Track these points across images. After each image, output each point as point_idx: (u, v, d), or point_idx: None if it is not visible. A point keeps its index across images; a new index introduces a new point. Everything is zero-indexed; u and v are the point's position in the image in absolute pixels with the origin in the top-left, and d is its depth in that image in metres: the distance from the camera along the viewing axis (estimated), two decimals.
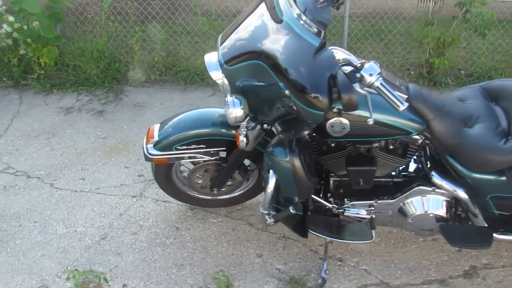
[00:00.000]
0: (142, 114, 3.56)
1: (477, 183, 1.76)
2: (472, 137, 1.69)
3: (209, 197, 2.31)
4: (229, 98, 1.62)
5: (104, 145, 3.06)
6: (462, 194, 1.79)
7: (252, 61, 1.55)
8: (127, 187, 2.63)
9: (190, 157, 2.04)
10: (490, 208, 1.82)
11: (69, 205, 2.46)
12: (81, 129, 3.24)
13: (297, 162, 1.68)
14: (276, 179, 1.74)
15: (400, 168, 1.94)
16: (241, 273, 2.03)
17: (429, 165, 1.87)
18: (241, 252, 2.15)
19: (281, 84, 1.46)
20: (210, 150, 2.04)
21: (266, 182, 1.79)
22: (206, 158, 2.07)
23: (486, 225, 1.85)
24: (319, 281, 1.95)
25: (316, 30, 1.38)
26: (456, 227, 1.86)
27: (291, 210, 1.77)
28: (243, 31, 1.64)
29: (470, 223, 1.90)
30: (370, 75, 1.40)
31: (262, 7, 1.64)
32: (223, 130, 1.97)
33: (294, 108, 1.47)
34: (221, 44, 1.71)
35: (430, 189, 1.83)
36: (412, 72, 4.57)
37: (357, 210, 1.94)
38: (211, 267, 2.06)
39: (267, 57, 1.50)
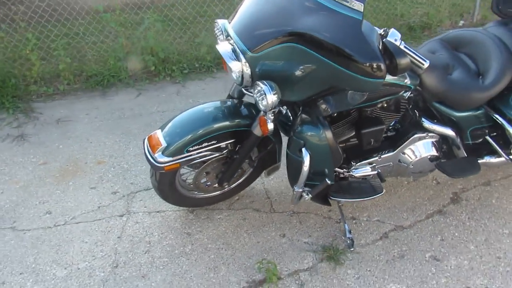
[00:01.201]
0: (72, 129, 3.19)
1: (462, 121, 2.07)
2: (456, 82, 1.97)
3: (217, 193, 2.24)
4: (261, 85, 1.59)
5: (50, 171, 2.69)
6: (450, 132, 2.08)
7: (285, 44, 1.55)
8: (107, 208, 2.38)
9: (203, 156, 1.95)
10: (467, 140, 2.16)
11: (52, 244, 2.13)
12: (8, 160, 2.78)
13: (329, 133, 1.76)
14: (310, 155, 1.79)
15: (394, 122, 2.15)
16: (276, 256, 2.05)
17: (417, 114, 2.11)
18: (264, 237, 2.16)
19: (328, 61, 1.49)
20: (221, 145, 1.98)
21: (297, 162, 1.82)
22: (217, 154, 2.00)
23: (466, 155, 2.19)
24: (348, 241, 2.08)
25: (353, 4, 1.45)
26: (450, 163, 2.16)
27: (328, 181, 1.85)
28: (263, 14, 1.62)
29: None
30: (395, 40, 1.54)
31: None
32: (231, 122, 1.93)
33: (346, 81, 1.53)
34: (236, 30, 1.66)
35: (424, 134, 2.08)
36: None
37: (364, 169, 2.10)
38: (245, 259, 2.04)
39: (304, 38, 1.51)
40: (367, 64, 1.44)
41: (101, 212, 2.34)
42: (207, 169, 2.09)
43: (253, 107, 2.04)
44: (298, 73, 1.61)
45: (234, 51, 1.68)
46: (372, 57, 1.43)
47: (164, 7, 4.59)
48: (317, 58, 1.51)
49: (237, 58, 1.66)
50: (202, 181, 2.14)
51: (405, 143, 2.08)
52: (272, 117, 1.74)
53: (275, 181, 2.53)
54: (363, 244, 2.10)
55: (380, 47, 1.48)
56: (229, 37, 1.74)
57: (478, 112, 2.07)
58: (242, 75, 1.69)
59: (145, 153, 1.94)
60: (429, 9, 5.35)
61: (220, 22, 1.86)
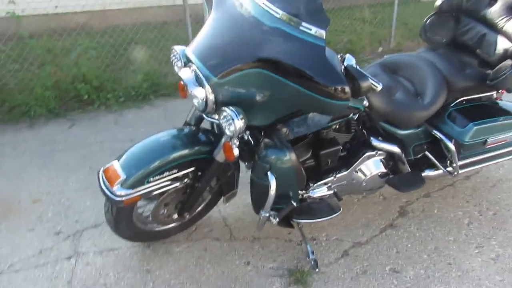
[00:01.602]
0: None
1: (406, 138, 2.23)
2: (400, 103, 2.13)
3: (174, 224, 2.16)
4: (228, 111, 1.59)
5: None
6: (396, 149, 2.22)
7: (251, 69, 1.56)
8: (51, 251, 2.16)
9: (163, 187, 1.87)
10: (410, 156, 2.33)
11: None
12: None
13: (293, 156, 1.79)
14: (276, 179, 1.79)
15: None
16: (243, 285, 2.00)
17: (366, 134, 2.24)
18: (228, 267, 2.10)
19: (296, 85, 1.53)
20: (182, 174, 1.91)
21: (263, 186, 1.82)
22: (177, 183, 1.93)
23: (409, 170, 2.35)
24: (312, 262, 2.10)
25: (316, 32, 1.51)
26: (398, 178, 2.30)
27: (294, 203, 1.86)
28: (226, 40, 1.62)
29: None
30: (352, 64, 1.63)
31: (235, 13, 1.65)
32: (191, 150, 1.89)
33: (313, 105, 1.57)
34: (199, 56, 1.64)
35: (373, 152, 2.20)
36: None
37: (321, 189, 2.15)
38: None
39: (271, 65, 1.53)
40: (334, 88, 1.50)
41: (44, 256, 2.13)
42: (166, 200, 2.01)
43: (212, 134, 2.02)
44: (264, 98, 1.62)
45: (197, 77, 1.65)
46: (337, 81, 1.50)
47: (96, 33, 4.41)
48: (285, 83, 1.54)
49: (200, 84, 1.64)
50: (161, 212, 2.04)
51: (357, 162, 2.18)
52: (237, 143, 1.73)
53: (231, 207, 2.50)
54: (327, 263, 2.13)
55: (343, 71, 1.55)
56: (190, 63, 1.72)
57: (419, 129, 2.25)
58: (206, 101, 1.66)
59: (100, 186, 1.82)
60: (351, 36, 5.76)
61: (178, 48, 1.83)
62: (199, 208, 2.21)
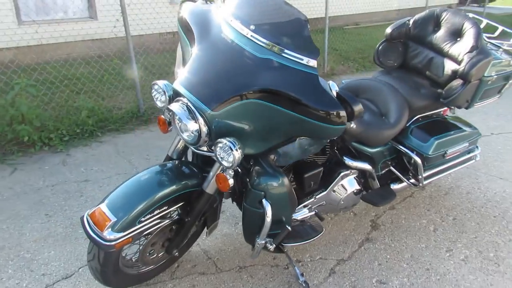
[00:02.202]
0: None
1: (375, 156, 2.38)
2: (369, 123, 2.28)
3: (159, 264, 2.06)
4: (226, 142, 1.58)
5: None
6: (367, 166, 2.36)
7: (247, 100, 1.58)
8: None
9: (154, 225, 1.80)
10: (377, 172, 2.48)
11: None
12: None
13: (286, 180, 1.82)
14: (271, 205, 1.81)
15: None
16: None
17: (339, 154, 2.35)
18: None
19: (293, 113, 1.58)
20: (171, 210, 1.86)
21: (257, 214, 1.82)
22: (167, 220, 1.87)
23: (379, 185, 2.50)
24: (304, 285, 2.12)
25: (308, 61, 1.59)
26: (372, 194, 2.43)
27: (288, 228, 1.88)
28: (219, 72, 1.63)
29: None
30: (336, 91, 1.73)
31: (224, 45, 1.68)
32: (178, 185, 1.85)
33: (311, 131, 1.63)
34: (191, 89, 1.63)
35: (348, 171, 2.31)
36: None
37: (303, 211, 2.21)
38: None
39: (268, 95, 1.57)
40: (332, 113, 1.58)
41: None
42: (154, 239, 1.92)
43: (196, 166, 1.99)
44: (261, 127, 1.65)
45: (189, 110, 1.63)
46: (334, 106, 1.58)
47: (33, 70, 4.14)
48: (282, 112, 1.59)
49: (193, 118, 1.62)
50: (149, 252, 1.95)
51: (334, 182, 2.27)
52: (232, 173, 1.72)
53: (210, 239, 2.46)
54: (317, 284, 2.16)
55: (335, 97, 1.64)
56: (179, 97, 1.69)
57: (386, 147, 2.41)
58: (199, 134, 1.64)
59: (87, 232, 1.70)
60: None
61: (160, 83, 1.80)
62: (183, 244, 2.14)
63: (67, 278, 2.17)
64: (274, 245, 1.90)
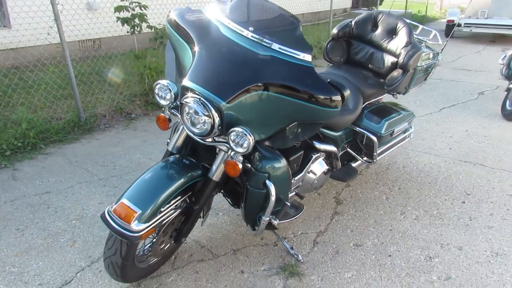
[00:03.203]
0: None
1: (339, 139, 2.75)
2: None
3: (160, 256, 2.19)
4: (240, 130, 1.78)
5: None
6: (334, 148, 2.71)
7: (256, 92, 1.81)
8: None
9: (170, 215, 1.94)
10: (339, 153, 2.87)
11: None
12: None
13: (285, 161, 2.07)
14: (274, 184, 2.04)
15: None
16: None
17: (308, 139, 2.66)
18: (228, 280, 2.22)
19: (297, 100, 1.83)
20: (182, 200, 2.01)
21: (261, 194, 2.03)
22: (179, 210, 2.01)
23: (341, 165, 2.88)
24: (295, 256, 2.40)
25: (304, 56, 1.86)
26: (339, 172, 2.78)
27: (287, 203, 2.14)
28: (228, 68, 1.82)
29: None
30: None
31: (227, 44, 1.88)
32: (186, 177, 1.99)
33: (311, 114, 1.90)
34: (204, 84, 1.79)
35: (318, 154, 2.64)
36: (138, 102, 5.07)
37: None
38: None
39: (274, 86, 1.81)
40: (328, 98, 1.87)
41: None
42: (167, 229, 2.04)
43: (194, 158, 2.14)
44: (267, 114, 1.88)
45: (203, 104, 1.80)
46: (330, 92, 1.87)
47: None
48: (287, 100, 1.84)
49: (207, 110, 1.79)
50: (160, 243, 2.06)
51: (308, 164, 2.58)
52: (241, 159, 1.93)
53: (196, 231, 2.59)
54: (305, 254, 2.45)
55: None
56: (187, 93, 1.84)
57: (346, 131, 2.80)
58: (212, 126, 1.82)
59: (113, 227, 1.77)
60: None
61: (164, 81, 1.93)
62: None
63: (67, 284, 2.16)
64: (277, 220, 2.13)
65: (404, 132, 3.16)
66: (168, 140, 2.44)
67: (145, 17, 4.66)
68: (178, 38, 2.05)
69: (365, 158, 2.95)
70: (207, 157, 2.13)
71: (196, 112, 1.80)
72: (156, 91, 1.97)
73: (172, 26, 2.09)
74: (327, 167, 2.66)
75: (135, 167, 3.53)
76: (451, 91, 5.86)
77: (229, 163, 1.90)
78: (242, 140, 1.79)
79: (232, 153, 1.89)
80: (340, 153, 2.88)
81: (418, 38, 3.07)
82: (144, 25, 4.75)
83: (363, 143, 2.90)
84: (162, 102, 1.97)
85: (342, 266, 2.34)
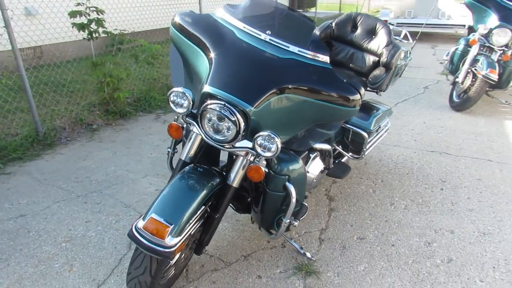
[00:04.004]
0: None
1: (331, 137, 2.83)
2: None
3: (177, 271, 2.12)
4: (267, 133, 1.77)
5: None
6: (328, 147, 2.78)
7: (279, 95, 1.81)
8: None
9: (196, 226, 1.88)
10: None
11: None
12: None
13: (302, 162, 2.10)
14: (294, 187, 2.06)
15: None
16: None
17: None
18: (248, 285, 2.20)
19: (319, 102, 1.86)
20: (206, 207, 1.95)
21: (281, 197, 2.04)
22: (202, 220, 1.96)
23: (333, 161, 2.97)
24: (306, 254, 2.44)
25: (323, 58, 1.90)
26: (335, 169, 2.86)
27: (306, 204, 2.16)
28: (251, 73, 1.80)
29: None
30: None
31: (246, 49, 1.86)
32: (207, 186, 1.93)
33: (333, 114, 1.93)
34: (229, 90, 1.76)
35: (315, 154, 2.70)
36: (98, 112, 4.83)
37: None
38: None
39: (297, 89, 1.82)
40: (349, 98, 1.92)
41: None
42: (189, 242, 1.98)
43: (208, 165, 2.10)
44: (290, 117, 1.89)
45: (228, 110, 1.76)
46: (350, 92, 1.92)
47: None
48: (310, 102, 1.86)
49: (233, 116, 1.76)
50: (182, 256, 1.99)
51: (308, 163, 2.63)
52: (265, 163, 1.92)
53: None
54: (315, 252, 2.49)
55: None
56: (209, 100, 1.79)
57: (337, 129, 2.88)
58: (237, 131, 1.79)
59: (144, 245, 1.68)
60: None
61: (180, 89, 1.87)
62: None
63: None
64: (297, 221, 2.15)
65: (385, 126, 3.32)
66: (169, 149, 2.37)
67: (103, 22, 4.43)
68: (187, 43, 1.99)
69: (351, 154, 3.06)
70: (214, 162, 2.11)
71: (220, 118, 1.77)
72: (172, 98, 1.89)
73: (178, 31, 2.02)
74: (323, 166, 2.73)
75: (113, 180, 3.35)
76: (400, 86, 6.25)
77: (252, 168, 1.89)
78: (270, 144, 1.79)
79: (251, 157, 1.88)
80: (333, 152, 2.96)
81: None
82: (100, 30, 4.52)
83: (349, 139, 3.01)
84: (179, 110, 1.90)
85: (353, 260, 2.42)
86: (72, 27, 4.37)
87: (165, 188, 1.85)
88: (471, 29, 5.69)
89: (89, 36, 4.49)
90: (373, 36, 3.02)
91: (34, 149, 3.95)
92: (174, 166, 2.19)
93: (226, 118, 1.75)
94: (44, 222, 2.77)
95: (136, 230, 1.71)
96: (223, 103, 1.77)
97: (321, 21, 12.35)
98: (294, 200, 2.04)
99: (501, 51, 4.89)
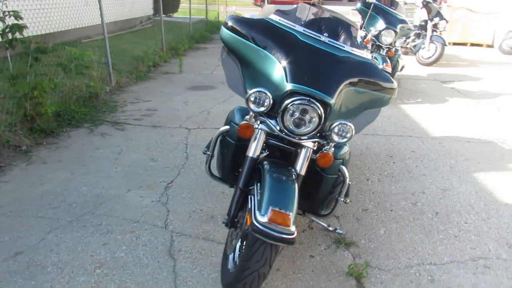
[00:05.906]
0: None
1: None
2: None
3: None
4: (343, 122, 2.02)
5: None
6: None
7: (347, 89, 2.09)
8: None
9: None
10: None
11: None
12: None
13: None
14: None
15: None
16: (331, 266, 2.42)
17: None
18: (308, 267, 2.42)
19: (372, 92, 2.19)
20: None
21: (335, 180, 2.30)
22: None
23: None
24: (336, 229, 2.75)
25: (366, 55, 2.24)
26: None
27: (349, 183, 2.47)
28: (321, 70, 2.04)
29: None
30: None
31: (309, 48, 2.09)
32: (294, 174, 2.10)
33: (380, 101, 2.27)
34: (313, 86, 1.96)
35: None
36: (20, 131, 4.31)
37: None
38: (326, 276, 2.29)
39: (358, 82, 2.13)
40: (394, 87, 2.30)
41: None
42: None
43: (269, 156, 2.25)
44: (352, 105, 2.18)
45: (313, 103, 1.98)
46: (392, 81, 2.30)
47: None
48: (367, 92, 2.19)
49: (318, 108, 1.98)
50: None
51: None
52: (333, 150, 2.17)
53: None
54: (340, 227, 2.83)
55: None
56: (291, 96, 1.97)
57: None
58: (319, 122, 2.02)
59: (273, 235, 1.77)
60: (87, 80, 5.69)
61: (260, 89, 2.00)
62: None
63: None
64: (348, 198, 2.43)
65: None
66: (208, 152, 2.43)
67: (24, 27, 3.92)
68: (247, 44, 2.12)
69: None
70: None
71: (304, 112, 1.97)
72: (253, 98, 2.00)
73: (235, 33, 2.13)
74: None
75: (96, 200, 3.09)
76: None
77: (325, 155, 2.12)
78: (345, 132, 2.06)
79: (315, 147, 2.12)
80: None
81: None
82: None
83: None
84: (261, 109, 2.02)
85: (372, 227, 2.83)
86: None
87: (266, 184, 1.94)
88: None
89: (7, 45, 3.91)
90: None
91: None
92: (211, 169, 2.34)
93: (310, 111, 1.96)
94: (53, 255, 2.46)
95: (261, 225, 1.79)
96: (307, 98, 1.97)
97: (181, 25, 12.38)
98: (347, 180, 2.33)
99: (387, 49, 5.96)
